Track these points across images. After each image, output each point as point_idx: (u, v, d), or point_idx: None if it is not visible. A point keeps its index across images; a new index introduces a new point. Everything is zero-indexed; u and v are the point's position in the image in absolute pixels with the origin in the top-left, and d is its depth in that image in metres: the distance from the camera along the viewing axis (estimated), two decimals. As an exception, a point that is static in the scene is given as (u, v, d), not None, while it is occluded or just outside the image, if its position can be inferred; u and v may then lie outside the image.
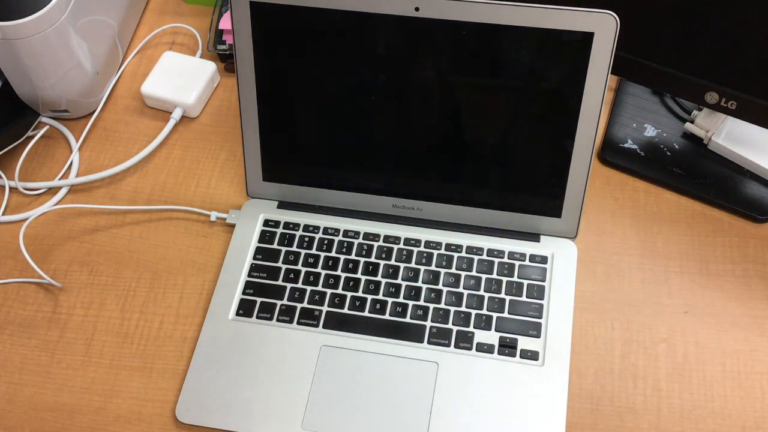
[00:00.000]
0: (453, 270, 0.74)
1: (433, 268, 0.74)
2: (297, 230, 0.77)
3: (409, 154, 0.74)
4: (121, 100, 0.90)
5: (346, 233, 0.76)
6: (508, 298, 0.72)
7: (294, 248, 0.76)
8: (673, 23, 0.71)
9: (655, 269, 0.75)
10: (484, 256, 0.74)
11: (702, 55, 0.71)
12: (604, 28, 0.65)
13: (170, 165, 0.85)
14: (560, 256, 0.74)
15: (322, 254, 0.75)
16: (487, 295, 0.72)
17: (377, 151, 0.74)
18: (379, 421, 0.66)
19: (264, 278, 0.74)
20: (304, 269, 0.75)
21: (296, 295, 0.73)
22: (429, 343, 0.70)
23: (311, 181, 0.77)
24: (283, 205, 0.79)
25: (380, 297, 0.73)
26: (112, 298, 0.76)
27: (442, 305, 0.72)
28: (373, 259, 0.75)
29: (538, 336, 0.70)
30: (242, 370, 0.69)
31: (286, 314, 0.72)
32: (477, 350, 0.70)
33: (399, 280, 0.73)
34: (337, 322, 0.72)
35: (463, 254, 0.74)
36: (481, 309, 0.72)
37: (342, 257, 0.75)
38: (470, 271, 0.74)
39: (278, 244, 0.76)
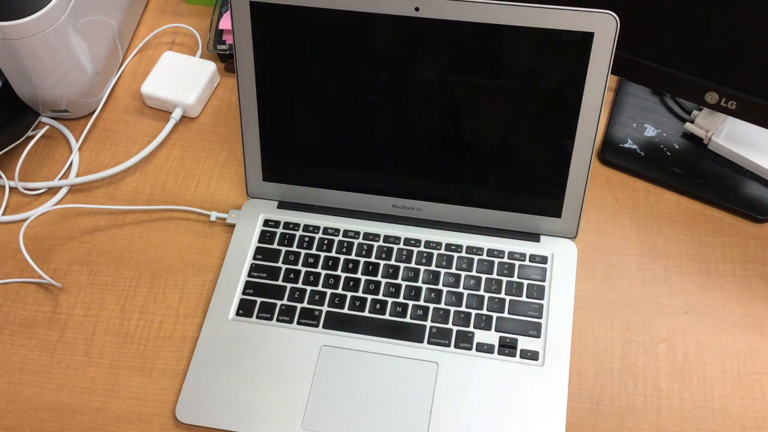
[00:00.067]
0: (453, 270, 0.74)
1: (433, 268, 0.74)
2: (297, 230, 0.77)
3: (409, 154, 0.74)
4: (121, 100, 0.90)
5: (346, 233, 0.76)
6: (508, 298, 0.72)
7: (294, 248, 0.76)
8: (673, 23, 0.71)
9: (655, 269, 0.75)
10: (484, 256, 0.74)
11: (702, 55, 0.71)
12: (604, 28, 0.65)
13: (170, 165, 0.85)
14: (560, 256, 0.74)
15: (322, 254, 0.75)
16: (487, 295, 0.72)
17: (377, 151, 0.74)
18: (379, 421, 0.66)
19: (264, 278, 0.74)
20: (304, 269, 0.75)
21: (296, 295, 0.73)
22: (429, 343, 0.70)
23: (311, 181, 0.77)
24: (283, 205, 0.79)
25: (380, 297, 0.73)
26: (112, 298, 0.76)
27: (442, 305, 0.72)
28: (373, 259, 0.75)
29: (538, 336, 0.70)
30: (242, 370, 0.69)
31: (286, 314, 0.72)
32: (477, 350, 0.70)
33: (399, 280, 0.74)
34: (337, 322, 0.72)
35: (463, 254, 0.74)
36: (481, 309, 0.72)
37: (342, 257, 0.75)
38: (470, 271, 0.74)
39: (278, 244, 0.76)
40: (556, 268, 0.73)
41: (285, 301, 0.73)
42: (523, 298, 0.72)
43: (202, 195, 0.82)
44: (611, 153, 0.82)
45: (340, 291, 0.73)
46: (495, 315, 0.71)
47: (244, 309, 0.73)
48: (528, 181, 0.73)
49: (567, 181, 0.72)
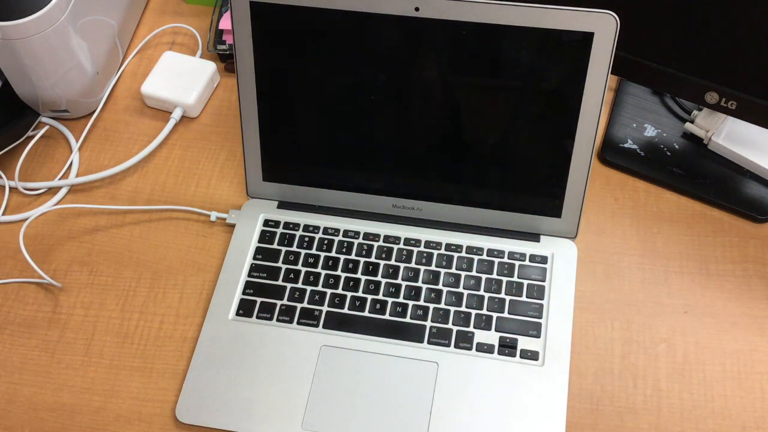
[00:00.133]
0: (453, 270, 0.74)
1: (433, 268, 0.74)
2: (297, 230, 0.77)
3: (409, 154, 0.74)
4: (121, 100, 0.91)
5: (346, 233, 0.76)
6: (508, 298, 0.72)
7: (294, 248, 0.76)
8: (673, 23, 0.71)
9: (655, 269, 0.75)
10: (484, 256, 0.74)
11: (702, 55, 0.71)
12: (604, 28, 0.65)
13: (170, 165, 0.85)
14: (560, 256, 0.74)
15: (322, 254, 0.75)
16: (487, 295, 0.72)
17: (377, 151, 0.74)
18: (379, 421, 0.66)
19: (264, 278, 0.74)
20: (304, 269, 0.75)
21: (296, 295, 0.73)
22: (429, 343, 0.70)
23: (311, 181, 0.77)
24: (283, 205, 0.79)
25: (380, 297, 0.73)
26: (112, 298, 0.76)
27: (442, 305, 0.72)
28: (373, 259, 0.75)
29: (538, 336, 0.70)
30: (242, 370, 0.69)
31: (286, 314, 0.72)
32: (477, 350, 0.70)
33: (399, 280, 0.73)
34: (337, 322, 0.72)
35: (463, 254, 0.74)
36: (481, 309, 0.72)
37: (342, 257, 0.75)
38: (470, 271, 0.74)
39: (278, 244, 0.76)
40: (556, 268, 0.73)
41: (285, 301, 0.73)
42: (523, 298, 0.72)
43: (202, 195, 0.82)
44: (611, 153, 0.82)
45: (340, 291, 0.73)
46: (495, 315, 0.71)
47: (244, 309, 0.73)
48: (528, 181, 0.73)
49: (567, 181, 0.72)
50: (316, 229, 0.77)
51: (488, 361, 0.69)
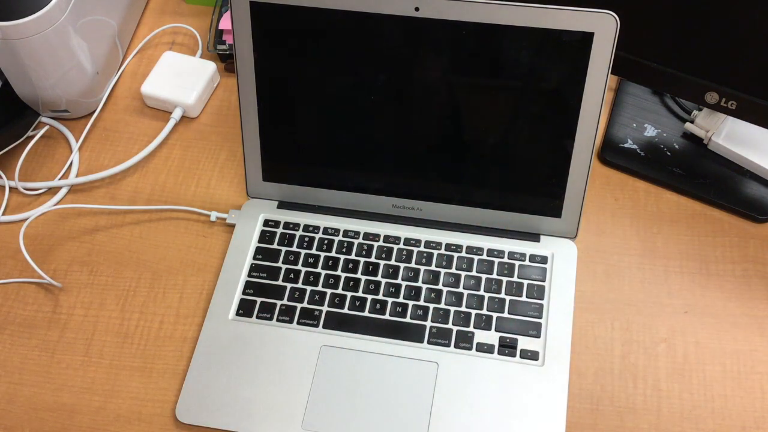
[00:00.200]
0: (453, 270, 0.74)
1: (433, 268, 0.74)
2: (297, 230, 0.77)
3: (409, 154, 0.74)
4: (121, 100, 0.91)
5: (346, 233, 0.76)
6: (508, 298, 0.72)
7: (294, 248, 0.76)
8: (673, 23, 0.71)
9: (655, 269, 0.75)
10: (484, 256, 0.74)
11: (702, 55, 0.71)
12: (604, 28, 0.65)
13: (170, 165, 0.85)
14: (560, 256, 0.74)
15: (322, 254, 0.75)
16: (487, 295, 0.72)
17: (377, 151, 0.74)
18: (379, 421, 0.66)
19: (264, 278, 0.74)
20: (304, 269, 0.75)
21: (296, 295, 0.73)
22: (429, 343, 0.70)
23: (311, 181, 0.77)
24: (283, 205, 0.79)
25: (380, 297, 0.73)
26: (112, 298, 0.76)
27: (442, 305, 0.72)
28: (373, 259, 0.75)
29: (538, 336, 0.70)
30: (242, 370, 0.69)
31: (286, 314, 0.72)
32: (477, 350, 0.70)
33: (399, 280, 0.74)
34: (337, 322, 0.72)
35: (463, 254, 0.74)
36: (481, 309, 0.72)
37: (342, 257, 0.75)
38: (470, 271, 0.74)
39: (278, 244, 0.76)
40: (556, 268, 0.73)
41: (285, 301, 0.73)
42: (523, 298, 0.72)
43: (202, 195, 0.83)
44: (611, 153, 0.82)
45: (340, 291, 0.73)
46: (495, 315, 0.71)
47: (244, 309, 0.73)
48: (528, 181, 0.73)
49: (567, 181, 0.72)
50: (316, 229, 0.77)
51: (488, 361, 0.69)
